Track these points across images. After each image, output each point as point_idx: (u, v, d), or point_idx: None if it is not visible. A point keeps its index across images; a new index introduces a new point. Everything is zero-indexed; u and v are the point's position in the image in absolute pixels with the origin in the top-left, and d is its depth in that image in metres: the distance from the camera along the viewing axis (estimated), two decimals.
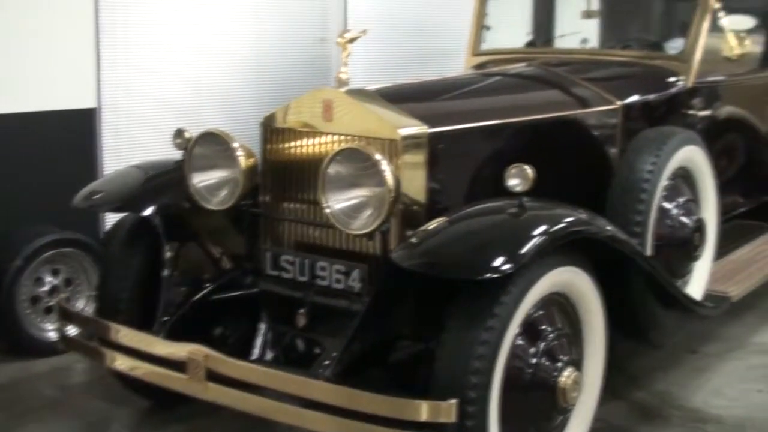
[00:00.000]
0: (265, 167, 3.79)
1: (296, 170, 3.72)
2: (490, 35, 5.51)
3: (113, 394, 4.25)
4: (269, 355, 3.73)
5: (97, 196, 3.97)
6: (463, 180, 3.85)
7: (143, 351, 3.50)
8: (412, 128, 3.53)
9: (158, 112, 5.30)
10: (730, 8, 5.18)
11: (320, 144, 3.64)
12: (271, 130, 3.76)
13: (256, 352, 3.73)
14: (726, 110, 5.16)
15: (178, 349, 3.39)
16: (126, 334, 3.57)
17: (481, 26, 5.45)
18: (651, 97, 4.68)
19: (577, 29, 5.89)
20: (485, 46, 5.47)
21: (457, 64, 5.57)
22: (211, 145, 3.79)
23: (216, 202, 3.81)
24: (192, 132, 3.89)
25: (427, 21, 6.55)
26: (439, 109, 4.03)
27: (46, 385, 4.53)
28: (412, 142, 3.51)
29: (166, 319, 3.72)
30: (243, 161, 3.71)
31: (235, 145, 3.73)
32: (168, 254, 3.83)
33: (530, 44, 5.78)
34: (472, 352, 3.06)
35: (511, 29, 6.03)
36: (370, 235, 3.44)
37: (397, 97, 3.81)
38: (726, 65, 4.97)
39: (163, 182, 3.99)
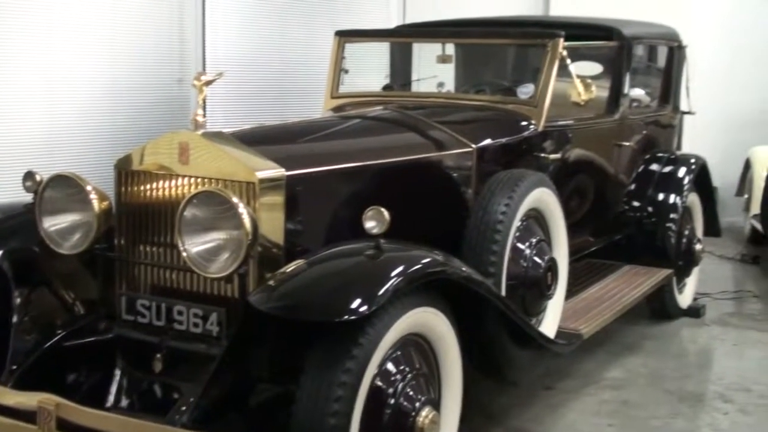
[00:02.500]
0: (119, 210, 3.72)
1: (152, 213, 3.66)
2: (349, 78, 5.57)
3: None
4: (124, 402, 3.64)
5: None
6: (322, 222, 3.87)
7: None
8: (270, 171, 3.54)
9: (7, 154, 5.14)
10: (578, 55, 5.39)
11: (176, 187, 3.60)
12: (126, 173, 3.70)
13: (110, 399, 3.63)
14: (575, 153, 5.33)
15: (28, 399, 3.27)
16: None
17: (339, 69, 5.50)
18: (504, 140, 4.80)
19: (433, 74, 6.03)
20: (344, 89, 5.52)
21: (317, 107, 5.60)
22: (63, 188, 3.71)
23: (68, 246, 3.72)
24: (43, 174, 3.79)
25: (286, 63, 6.58)
26: (297, 152, 4.04)
27: None
28: (269, 185, 3.51)
29: (15, 367, 3.59)
30: (96, 204, 3.64)
31: (89, 188, 3.66)
32: (17, 300, 3.72)
33: (387, 87, 5.87)
34: (331, 394, 3.07)
35: (369, 72, 6.12)
36: (228, 279, 3.42)
37: (255, 139, 3.81)
38: (574, 110, 5.15)
39: (12, 226, 3.89)
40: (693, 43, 7.87)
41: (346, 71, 5.52)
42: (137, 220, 3.70)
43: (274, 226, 3.53)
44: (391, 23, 7.11)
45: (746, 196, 9.06)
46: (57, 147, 5.20)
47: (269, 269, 3.44)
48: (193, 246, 3.38)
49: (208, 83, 3.64)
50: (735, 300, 7.01)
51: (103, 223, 3.67)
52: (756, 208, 8.65)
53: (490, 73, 6.25)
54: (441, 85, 5.97)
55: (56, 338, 3.74)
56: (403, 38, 6.05)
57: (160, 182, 3.64)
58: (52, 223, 3.72)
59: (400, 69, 6.10)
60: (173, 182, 3.61)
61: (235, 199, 3.31)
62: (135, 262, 3.71)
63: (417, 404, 3.39)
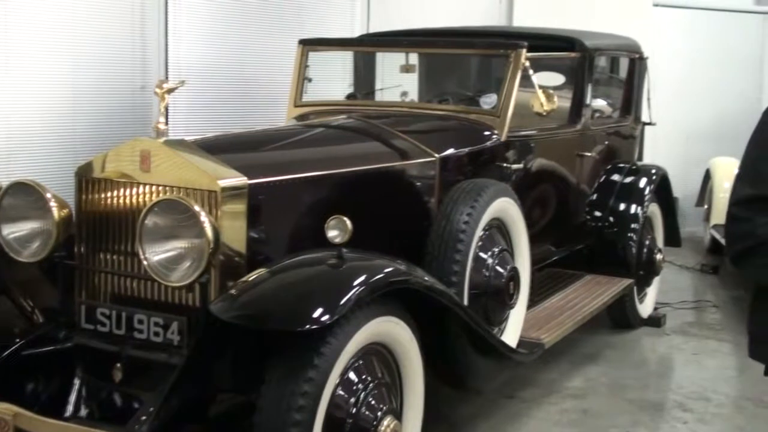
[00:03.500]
0: (80, 218, 3.70)
1: (113, 221, 3.64)
2: (312, 87, 5.57)
3: None
4: (84, 412, 3.61)
5: None
6: (285, 231, 3.87)
7: None
8: (232, 179, 3.53)
9: None
10: (541, 66, 5.43)
11: (138, 195, 3.58)
12: (87, 180, 3.68)
13: (70, 409, 3.60)
14: (538, 163, 5.37)
15: None
16: None
17: (303, 78, 5.49)
18: (467, 150, 4.81)
19: (397, 83, 6.04)
20: (307, 98, 5.52)
21: (281, 115, 5.59)
22: (23, 196, 3.68)
23: (27, 255, 3.69)
24: (2, 182, 3.76)
25: (250, 71, 6.55)
26: (260, 160, 4.04)
27: None
28: (232, 194, 3.50)
29: None
30: (56, 212, 3.62)
31: (48, 195, 3.63)
32: None
33: (351, 96, 5.88)
34: (293, 403, 3.07)
35: (333, 81, 6.12)
36: (189, 287, 3.41)
37: (218, 147, 3.79)
38: (537, 120, 5.17)
39: None
40: (655, 55, 7.97)
41: (310, 80, 5.51)
42: (98, 228, 3.67)
43: (236, 234, 3.52)
44: (356, 32, 7.11)
45: (706, 206, 9.17)
46: (16, 154, 5.13)
47: (231, 278, 3.43)
48: (154, 254, 3.37)
49: (170, 91, 3.63)
50: (695, 310, 7.07)
51: (62, 231, 3.64)
52: (716, 218, 8.77)
53: (453, 83, 6.28)
54: (405, 94, 5.99)
55: (15, 347, 3.70)
56: (367, 47, 6.06)
57: (121, 190, 3.62)
58: (10, 231, 3.69)
59: (364, 78, 6.11)
60: (134, 190, 3.59)
61: (196, 208, 3.30)
62: (95, 270, 3.69)
63: (379, 413, 3.39)
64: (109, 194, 3.64)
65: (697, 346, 6.17)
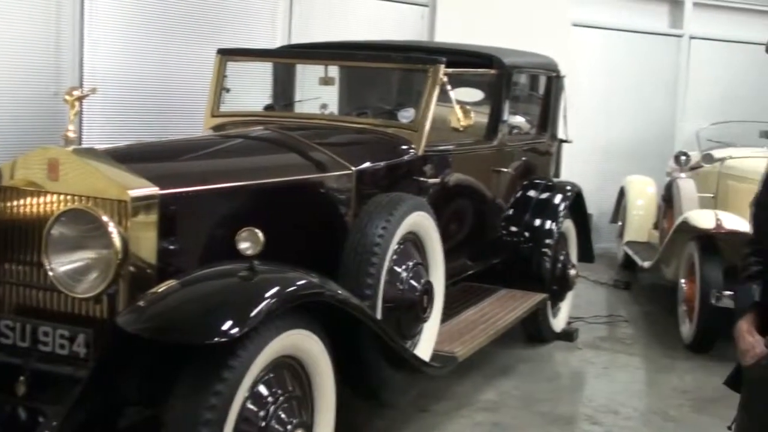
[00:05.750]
0: None
1: (19, 230, 3.56)
2: (230, 97, 5.52)
3: None
4: None
5: None
6: (197, 242, 3.82)
7: None
8: (143, 189, 3.48)
9: None
10: (459, 81, 5.47)
11: (45, 204, 3.51)
12: None
13: None
14: (455, 177, 5.40)
15: None
16: None
17: (220, 88, 5.44)
18: (383, 163, 4.82)
19: (317, 95, 6.03)
20: (225, 108, 5.47)
21: (198, 125, 5.54)
22: None
23: None
24: None
25: (168, 80, 6.49)
26: (172, 171, 3.98)
27: None
28: (142, 204, 3.45)
29: None
30: None
31: None
32: None
33: (270, 108, 5.86)
34: (200, 417, 3.04)
35: (252, 92, 6.09)
36: (96, 299, 3.35)
37: (129, 157, 3.74)
38: (455, 135, 5.20)
39: None
40: (573, 73, 8.09)
41: (228, 90, 5.46)
42: (3, 238, 3.59)
43: (146, 245, 3.47)
44: (277, 42, 7.09)
45: (620, 223, 9.33)
46: None
47: (141, 290, 3.37)
48: (60, 265, 3.31)
49: (81, 98, 3.57)
50: (607, 324, 7.19)
51: None
52: (630, 235, 8.93)
53: (372, 97, 6.29)
54: (324, 106, 5.98)
55: None
56: (286, 59, 6.05)
57: (29, 199, 3.55)
58: None
59: (283, 89, 6.09)
60: (42, 199, 3.52)
61: (104, 218, 3.25)
62: None
63: (289, 427, 3.37)
64: (16, 203, 3.57)
65: (608, 360, 6.27)
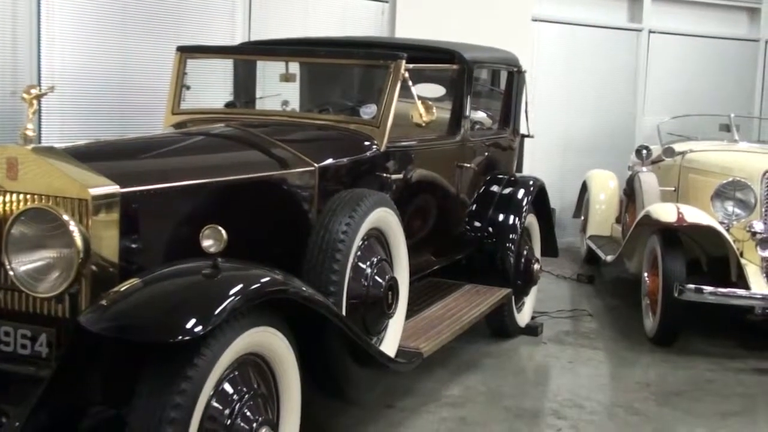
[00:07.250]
0: None
1: None
2: (191, 94, 5.48)
3: None
4: None
5: None
6: (160, 240, 3.78)
7: None
8: (104, 188, 3.44)
9: None
10: (421, 77, 5.47)
11: (4, 203, 3.46)
12: None
13: None
14: (417, 173, 5.39)
15: None
16: None
17: (180, 85, 5.39)
18: (346, 159, 4.81)
19: (278, 92, 6.01)
20: (185, 105, 5.43)
21: (158, 123, 5.49)
22: None
23: None
24: None
25: (128, 77, 6.44)
26: (134, 169, 3.93)
27: None
28: (103, 202, 3.41)
29: None
30: None
31: None
32: None
33: (231, 105, 5.82)
34: (164, 416, 3.01)
35: (213, 89, 6.05)
36: (58, 298, 3.32)
37: (89, 155, 3.69)
38: (417, 131, 5.21)
39: None
40: (534, 68, 8.14)
41: (188, 87, 5.41)
42: None
43: (108, 244, 3.44)
44: (237, 39, 7.06)
45: (583, 217, 9.39)
46: None
47: (103, 288, 3.33)
48: (21, 264, 3.28)
49: (38, 97, 3.53)
50: (571, 319, 7.23)
51: None
52: (592, 229, 8.99)
53: (334, 93, 6.28)
54: (285, 103, 5.96)
55: None
56: (246, 55, 6.01)
57: None
58: None
59: (244, 86, 6.06)
60: (1, 198, 3.47)
61: (65, 216, 3.21)
62: None
63: (254, 425, 3.35)
64: None
65: (572, 355, 6.30)
